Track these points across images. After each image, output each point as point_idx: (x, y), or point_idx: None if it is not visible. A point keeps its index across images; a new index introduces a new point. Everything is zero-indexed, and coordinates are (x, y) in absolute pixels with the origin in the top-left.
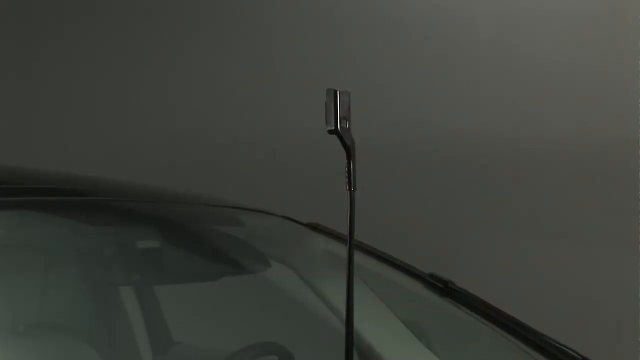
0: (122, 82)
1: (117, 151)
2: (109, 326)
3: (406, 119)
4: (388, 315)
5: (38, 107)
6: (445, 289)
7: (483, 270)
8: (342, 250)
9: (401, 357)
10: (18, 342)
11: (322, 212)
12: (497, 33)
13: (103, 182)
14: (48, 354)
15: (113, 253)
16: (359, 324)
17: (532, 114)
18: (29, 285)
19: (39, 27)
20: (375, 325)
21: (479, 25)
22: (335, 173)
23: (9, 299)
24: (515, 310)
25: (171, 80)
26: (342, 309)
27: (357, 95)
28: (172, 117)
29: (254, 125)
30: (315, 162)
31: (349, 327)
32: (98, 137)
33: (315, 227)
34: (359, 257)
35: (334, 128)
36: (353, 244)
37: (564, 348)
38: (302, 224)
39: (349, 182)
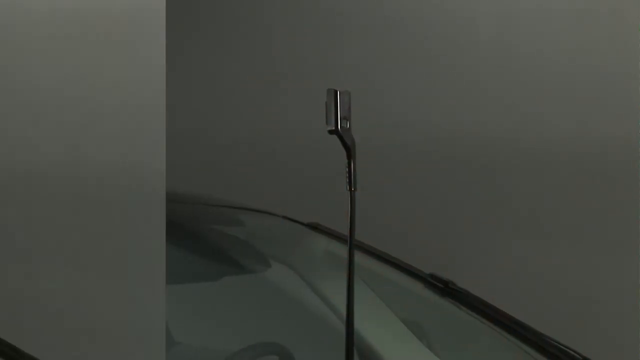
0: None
1: None
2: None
3: (406, 119)
4: (388, 315)
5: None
6: (446, 289)
7: (483, 270)
8: (342, 250)
9: (401, 357)
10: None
11: (322, 212)
12: (497, 33)
13: None
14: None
15: None
16: (359, 324)
17: (532, 114)
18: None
19: None
20: (376, 325)
21: (479, 25)
22: (335, 173)
23: None
24: (515, 310)
25: (171, 80)
26: (342, 309)
27: (357, 95)
28: (172, 117)
29: (254, 125)
30: (315, 162)
31: (349, 327)
32: None
33: (315, 227)
34: (359, 257)
35: (334, 128)
36: (353, 244)
37: (564, 348)
38: (302, 223)
39: (349, 182)
